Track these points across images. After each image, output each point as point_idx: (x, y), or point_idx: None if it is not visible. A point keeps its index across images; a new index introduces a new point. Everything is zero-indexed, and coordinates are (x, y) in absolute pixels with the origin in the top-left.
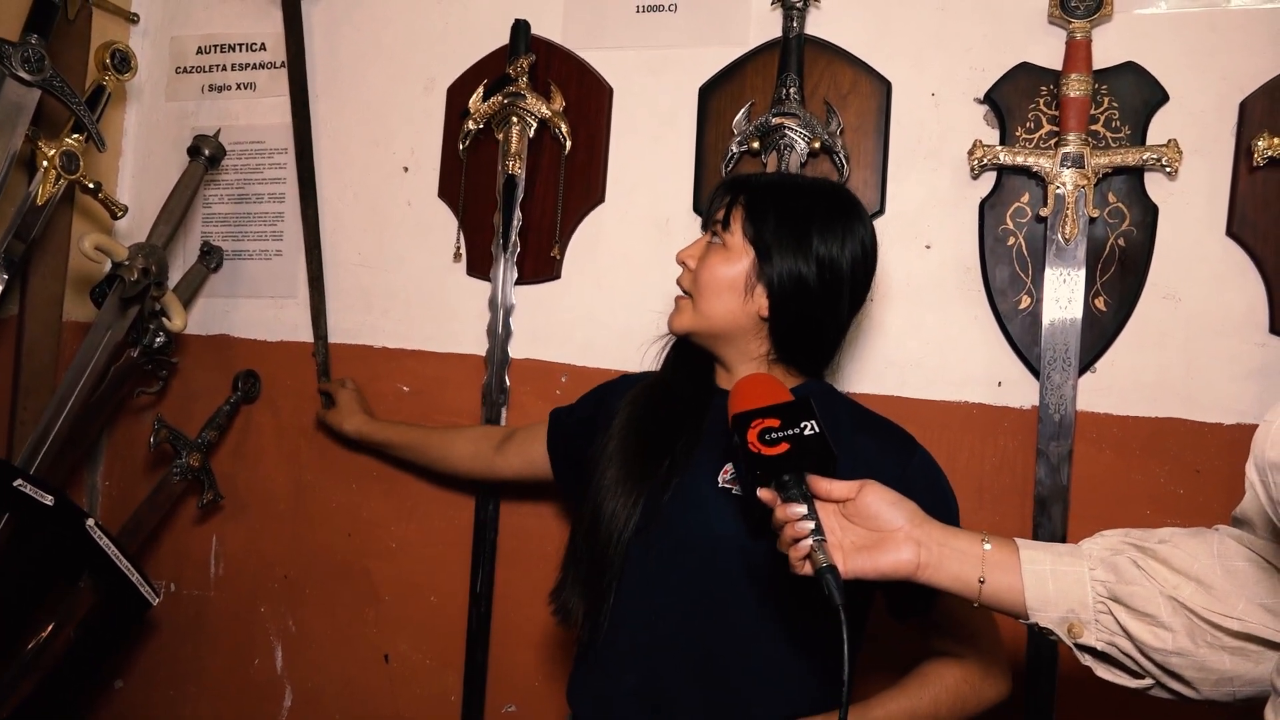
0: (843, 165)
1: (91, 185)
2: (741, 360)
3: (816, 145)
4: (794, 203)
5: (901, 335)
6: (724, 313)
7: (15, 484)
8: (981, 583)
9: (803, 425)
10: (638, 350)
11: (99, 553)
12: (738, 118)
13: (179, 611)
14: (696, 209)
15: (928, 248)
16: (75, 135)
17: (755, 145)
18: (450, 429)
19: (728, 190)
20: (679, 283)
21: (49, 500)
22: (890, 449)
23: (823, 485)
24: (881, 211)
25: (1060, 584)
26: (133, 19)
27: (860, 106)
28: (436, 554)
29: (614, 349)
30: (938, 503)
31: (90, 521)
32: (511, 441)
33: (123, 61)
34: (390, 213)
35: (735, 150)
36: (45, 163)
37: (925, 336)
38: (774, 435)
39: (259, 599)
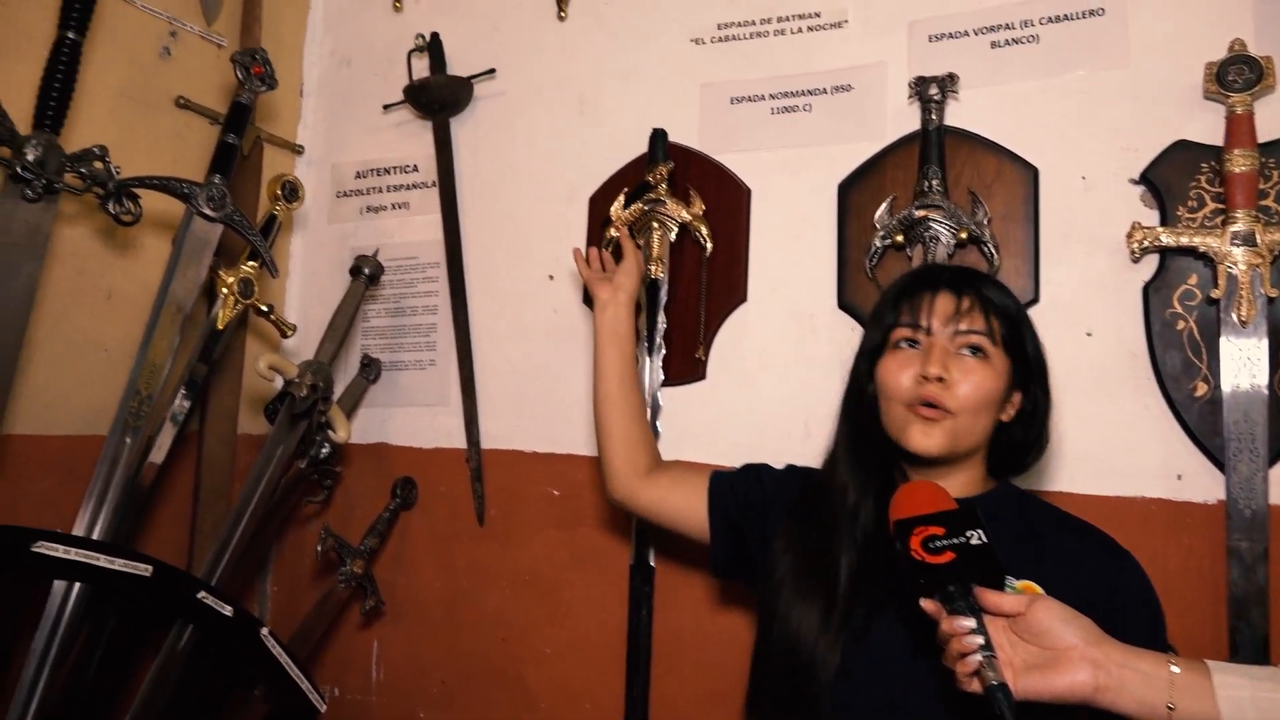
0: (992, 255)
1: (265, 308)
2: (958, 470)
3: (964, 235)
4: (1008, 299)
5: (1066, 427)
6: (982, 431)
7: (199, 596)
8: (1171, 709)
9: (968, 534)
10: (784, 448)
11: (272, 661)
12: (879, 212)
13: (342, 717)
14: (841, 304)
15: (1088, 335)
16: (251, 263)
17: (899, 239)
18: (639, 416)
19: (955, 288)
20: (926, 396)
21: (228, 611)
22: (1099, 552)
23: (991, 598)
24: (1036, 300)
25: (1263, 712)
26: (298, 150)
27: (1006, 194)
28: (590, 659)
29: (760, 448)
30: (1152, 616)
31: (265, 630)
32: (664, 474)
33: (292, 192)
34: (536, 320)
35: (879, 245)
36: (225, 290)
37: (1091, 428)
38: (938, 544)
39: (418, 704)
